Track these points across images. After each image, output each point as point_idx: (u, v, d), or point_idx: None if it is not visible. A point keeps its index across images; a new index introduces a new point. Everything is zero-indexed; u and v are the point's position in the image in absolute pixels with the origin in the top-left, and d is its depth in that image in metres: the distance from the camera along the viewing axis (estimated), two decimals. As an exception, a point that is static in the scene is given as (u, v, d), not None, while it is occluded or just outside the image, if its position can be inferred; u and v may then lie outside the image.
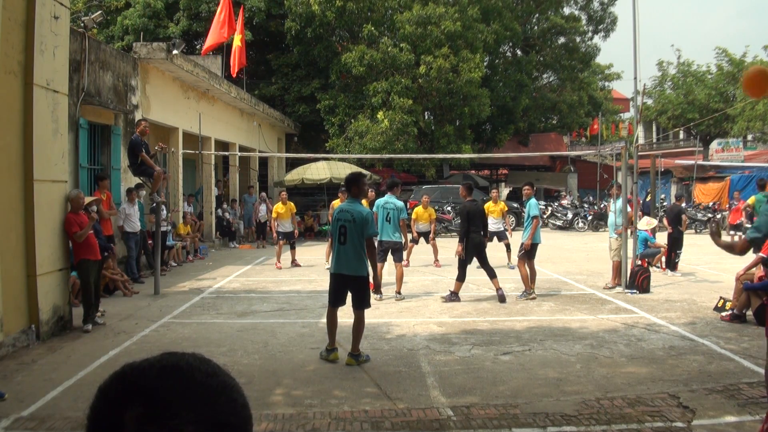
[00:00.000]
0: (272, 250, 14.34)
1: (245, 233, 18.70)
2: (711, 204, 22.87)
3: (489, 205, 12.85)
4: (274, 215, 13.03)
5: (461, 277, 8.88)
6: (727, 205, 21.01)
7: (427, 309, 8.39)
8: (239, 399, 0.78)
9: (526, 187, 9.83)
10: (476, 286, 10.07)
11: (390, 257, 9.29)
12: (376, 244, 6.69)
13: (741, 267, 7.85)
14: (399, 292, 9.07)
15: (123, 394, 0.72)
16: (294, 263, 12.89)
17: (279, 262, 12.86)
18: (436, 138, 23.16)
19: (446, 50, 21.40)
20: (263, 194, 18.81)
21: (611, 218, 10.32)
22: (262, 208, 17.80)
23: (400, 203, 9.27)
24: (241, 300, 9.18)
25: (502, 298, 8.79)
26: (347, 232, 5.72)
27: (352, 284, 5.88)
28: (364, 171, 18.21)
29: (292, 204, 13.37)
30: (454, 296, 8.85)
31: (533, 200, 9.42)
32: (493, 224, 12.51)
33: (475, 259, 9.02)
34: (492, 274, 8.93)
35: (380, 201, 9.28)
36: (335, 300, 5.98)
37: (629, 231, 10.00)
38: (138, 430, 0.69)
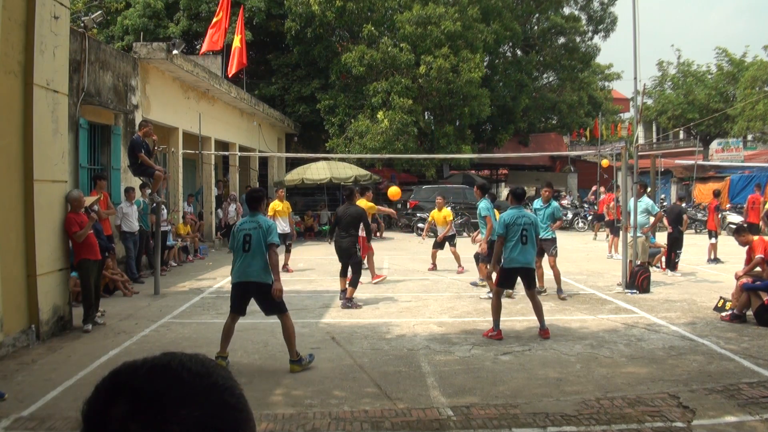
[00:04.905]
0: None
1: None
2: None
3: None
4: (271, 213, 11.66)
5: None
6: (704, 205, 20.40)
7: (427, 309, 8.40)
8: (231, 401, 0.74)
9: (546, 189, 9.83)
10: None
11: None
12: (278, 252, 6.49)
13: (740, 267, 7.85)
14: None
15: (112, 391, 0.72)
16: (285, 268, 11.49)
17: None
18: (436, 138, 23.16)
19: (446, 50, 21.40)
20: (233, 193, 17.63)
21: (641, 219, 10.22)
22: (231, 208, 16.70)
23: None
24: (241, 300, 9.16)
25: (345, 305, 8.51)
26: (252, 240, 5.66)
27: (257, 292, 5.72)
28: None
29: (288, 203, 12.74)
30: (349, 302, 8.48)
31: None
32: None
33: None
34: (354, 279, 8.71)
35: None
36: (238, 307, 5.83)
37: (629, 231, 10.00)
38: (122, 428, 0.69)
